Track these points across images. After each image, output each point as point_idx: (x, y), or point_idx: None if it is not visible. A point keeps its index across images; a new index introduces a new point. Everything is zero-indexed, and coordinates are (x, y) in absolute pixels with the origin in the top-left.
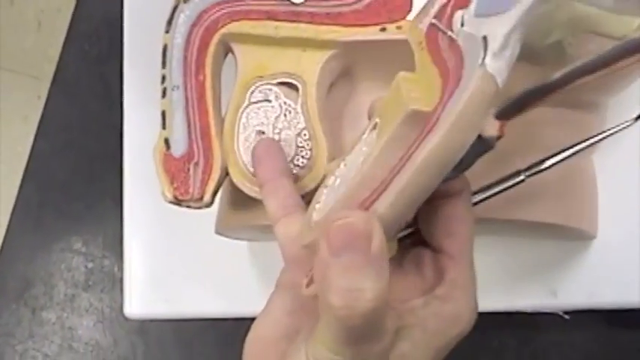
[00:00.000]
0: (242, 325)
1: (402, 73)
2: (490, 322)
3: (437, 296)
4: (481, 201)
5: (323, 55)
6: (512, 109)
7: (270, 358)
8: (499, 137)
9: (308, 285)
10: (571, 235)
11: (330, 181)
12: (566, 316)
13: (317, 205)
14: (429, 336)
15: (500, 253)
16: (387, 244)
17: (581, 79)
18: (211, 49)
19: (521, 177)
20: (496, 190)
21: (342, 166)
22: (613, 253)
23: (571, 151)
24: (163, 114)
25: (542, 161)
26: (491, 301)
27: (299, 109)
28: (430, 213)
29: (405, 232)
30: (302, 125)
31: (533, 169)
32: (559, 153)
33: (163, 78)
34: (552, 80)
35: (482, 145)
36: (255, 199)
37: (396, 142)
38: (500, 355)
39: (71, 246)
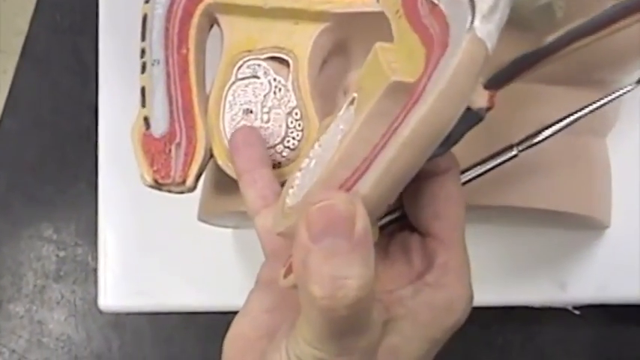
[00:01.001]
0: (225, 319)
1: (379, 44)
2: (494, 318)
3: (427, 284)
4: (472, 179)
5: (316, 29)
6: (502, 77)
7: (250, 358)
8: (489, 108)
9: (286, 275)
10: (582, 224)
11: (304, 163)
12: (577, 312)
13: (290, 190)
14: (421, 327)
15: (504, 243)
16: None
17: (577, 42)
18: (195, 20)
19: (514, 152)
20: (487, 167)
21: (316, 146)
22: (627, 243)
23: (567, 121)
24: (143, 90)
25: (537, 133)
26: (494, 295)
27: (290, 87)
28: (416, 194)
29: (391, 217)
30: (293, 104)
31: (527, 142)
32: (554, 124)
33: (143, 51)
34: (546, 45)
35: (471, 118)
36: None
37: (378, 117)
38: (504, 352)
39: (41, 233)
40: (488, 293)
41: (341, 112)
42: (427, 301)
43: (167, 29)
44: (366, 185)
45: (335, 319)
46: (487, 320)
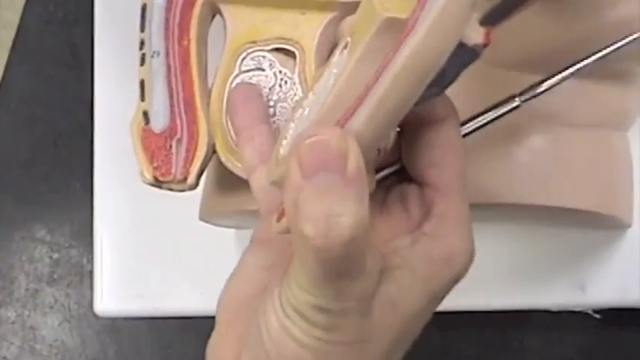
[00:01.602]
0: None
1: None
2: (510, 322)
3: (425, 233)
4: (473, 131)
5: (323, 18)
6: (498, 12)
7: (245, 317)
8: (485, 45)
9: (279, 219)
10: (603, 224)
11: (297, 113)
12: (597, 316)
13: (284, 141)
14: (419, 279)
15: (521, 243)
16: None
17: None
18: (197, 10)
19: (517, 102)
20: (488, 118)
21: (310, 95)
22: None
23: (572, 69)
24: (142, 84)
25: (540, 83)
26: (510, 298)
27: (296, 79)
28: (413, 142)
29: (389, 170)
30: (299, 97)
31: (530, 92)
32: (560, 72)
33: (142, 43)
34: None
35: (466, 55)
36: (245, 180)
37: (371, 56)
38: (520, 357)
39: (33, 234)
40: (504, 296)
41: (334, 58)
42: (424, 251)
43: (167, 19)
44: (359, 121)
45: (329, 260)
46: (503, 324)
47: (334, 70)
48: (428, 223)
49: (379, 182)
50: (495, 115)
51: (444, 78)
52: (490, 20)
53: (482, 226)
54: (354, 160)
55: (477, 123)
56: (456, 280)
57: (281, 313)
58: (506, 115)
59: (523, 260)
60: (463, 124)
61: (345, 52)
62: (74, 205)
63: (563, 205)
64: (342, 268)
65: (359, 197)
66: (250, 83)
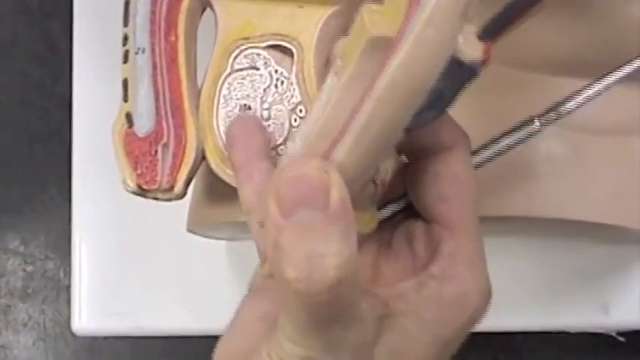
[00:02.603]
0: (215, 343)
1: (366, 5)
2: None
3: (432, 275)
4: (485, 161)
5: (323, 13)
6: (497, 24)
7: None
8: (484, 62)
9: (264, 262)
10: (628, 239)
11: (290, 147)
12: (621, 338)
13: None
14: (427, 326)
15: (539, 259)
16: (360, 212)
17: None
18: (185, 3)
19: (536, 124)
20: (504, 144)
21: (302, 127)
22: None
23: (597, 87)
24: (125, 83)
25: (563, 102)
26: (527, 319)
27: (293, 80)
28: (419, 174)
29: (395, 207)
30: (297, 99)
31: (551, 113)
32: (584, 89)
33: (125, 38)
34: None
35: (464, 72)
36: (237, 189)
37: (358, 80)
38: None
39: (6, 245)
40: (520, 316)
41: (325, 84)
42: (432, 295)
43: (153, 13)
44: (342, 151)
45: (315, 306)
46: (520, 346)
47: (323, 97)
48: (435, 264)
49: (384, 221)
50: (511, 140)
51: (441, 99)
52: (489, 34)
53: (497, 241)
54: (337, 195)
55: (490, 152)
56: (470, 323)
57: None
58: (513, 117)
59: (541, 277)
60: (473, 153)
61: (335, 78)
62: (50, 214)
63: (586, 219)
64: (332, 315)
65: (344, 235)
66: (252, 116)
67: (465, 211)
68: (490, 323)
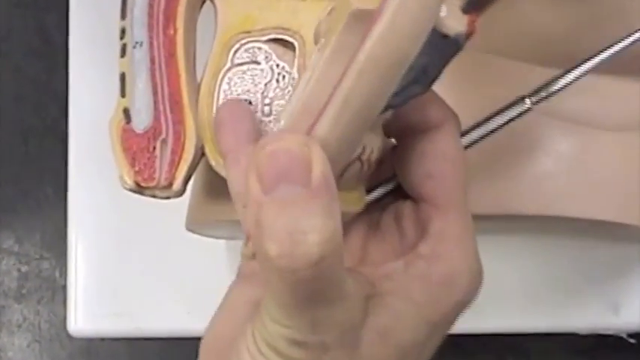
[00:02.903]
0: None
1: None
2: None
3: (420, 255)
4: (476, 141)
5: (327, 6)
6: None
7: (229, 357)
8: (469, 35)
9: (247, 242)
10: (636, 237)
11: (275, 127)
12: (632, 340)
13: None
14: (416, 306)
15: (546, 258)
16: (346, 192)
17: None
18: None
19: (527, 104)
20: (494, 124)
21: (287, 105)
22: None
23: (590, 63)
24: (122, 77)
25: (554, 81)
26: (535, 320)
27: (295, 74)
28: (407, 153)
29: (384, 189)
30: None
31: (542, 92)
32: (575, 68)
33: (123, 32)
34: None
35: (448, 46)
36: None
37: (340, 53)
38: None
39: (0, 244)
40: (527, 317)
41: (310, 61)
42: (420, 274)
43: (151, 6)
44: (323, 125)
45: (298, 283)
46: (527, 349)
47: (307, 74)
48: (424, 244)
49: (374, 203)
50: (502, 121)
51: (425, 74)
52: (474, 6)
53: (503, 240)
54: (320, 169)
55: (481, 131)
56: (460, 305)
57: (255, 351)
58: (528, 117)
59: (549, 277)
60: (464, 133)
61: (319, 55)
62: (46, 212)
63: (594, 217)
64: (316, 293)
65: (326, 210)
66: (239, 100)
67: (453, 189)
68: (497, 324)
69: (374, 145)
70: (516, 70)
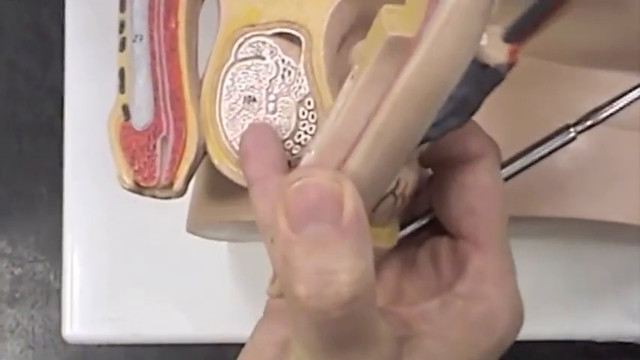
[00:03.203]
0: (219, 352)
1: (386, 6)
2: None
3: (458, 294)
4: (518, 172)
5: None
6: (524, 25)
7: None
8: (511, 65)
9: (273, 281)
10: None
11: (304, 157)
12: None
13: None
14: (452, 348)
15: (563, 262)
16: (379, 228)
17: None
18: None
19: (572, 133)
20: (538, 155)
21: (317, 136)
22: None
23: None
24: (121, 73)
25: (601, 108)
26: (551, 326)
27: (301, 70)
28: (444, 187)
29: (420, 223)
30: (305, 91)
31: (588, 120)
32: (623, 95)
33: (122, 25)
34: None
35: (489, 76)
36: (240, 186)
37: (375, 83)
38: None
39: None
40: (543, 324)
41: (342, 89)
42: (458, 315)
43: None
44: (356, 159)
45: (327, 325)
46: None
47: (339, 103)
48: (461, 282)
49: (408, 238)
50: (545, 151)
51: (465, 105)
52: (516, 35)
53: (518, 243)
54: (352, 207)
55: (522, 162)
56: (500, 345)
57: None
58: (546, 114)
59: (565, 282)
60: (506, 163)
61: (352, 82)
62: (40, 213)
63: (614, 220)
64: (346, 336)
65: (358, 249)
66: (265, 125)
67: (494, 225)
68: None
69: (409, 178)
70: (561, 73)
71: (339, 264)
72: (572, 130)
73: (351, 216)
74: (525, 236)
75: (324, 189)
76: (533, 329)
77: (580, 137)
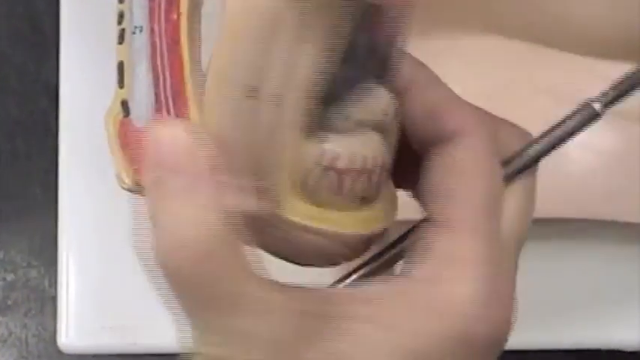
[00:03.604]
0: None
1: None
2: None
3: (414, 278)
4: (542, 155)
5: None
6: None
7: None
8: None
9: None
10: None
11: None
12: None
13: None
14: (389, 333)
15: (583, 265)
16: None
17: None
18: None
19: (596, 108)
20: (558, 134)
21: None
22: None
23: None
24: (120, 66)
25: (627, 79)
26: (568, 335)
27: None
28: (424, 168)
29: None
30: None
31: (610, 94)
32: None
33: (121, 16)
34: None
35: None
36: None
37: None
38: None
39: None
40: (560, 332)
41: None
42: (406, 299)
43: None
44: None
45: (183, 284)
46: None
47: None
48: (420, 265)
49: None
50: (569, 130)
51: (355, 54)
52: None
53: (533, 246)
54: (203, 156)
55: (543, 144)
56: (462, 340)
57: None
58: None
59: (585, 287)
60: (525, 147)
61: None
62: (34, 215)
63: (631, 220)
64: (209, 299)
65: (211, 201)
66: None
67: (475, 210)
68: (523, 340)
69: (376, 152)
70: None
71: (187, 216)
72: (595, 104)
73: (190, 161)
74: (542, 238)
75: (175, 138)
76: (548, 338)
77: (603, 135)
